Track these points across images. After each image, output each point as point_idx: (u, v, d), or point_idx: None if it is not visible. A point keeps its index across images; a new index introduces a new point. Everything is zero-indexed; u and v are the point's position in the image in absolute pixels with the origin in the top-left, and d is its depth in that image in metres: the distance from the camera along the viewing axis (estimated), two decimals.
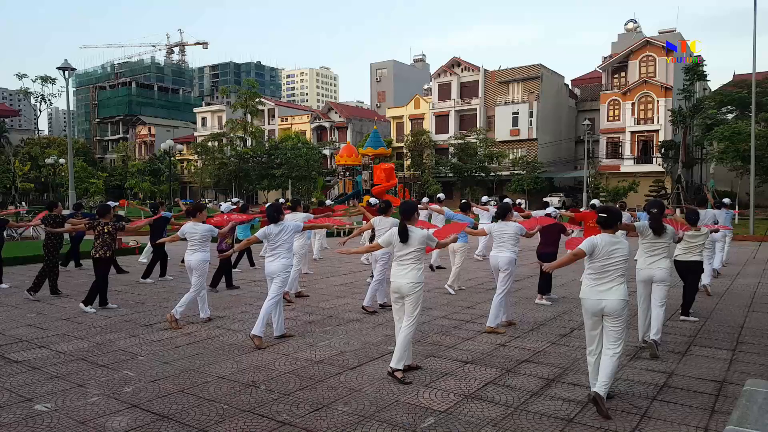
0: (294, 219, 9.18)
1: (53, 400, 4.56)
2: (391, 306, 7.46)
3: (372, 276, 9.97)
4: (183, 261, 8.43)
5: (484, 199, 15.39)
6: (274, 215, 6.49)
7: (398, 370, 5.02)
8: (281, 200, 15.83)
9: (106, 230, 8.31)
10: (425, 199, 16.45)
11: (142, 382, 5.02)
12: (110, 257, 8.41)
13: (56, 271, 9.46)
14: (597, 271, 4.47)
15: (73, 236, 12.79)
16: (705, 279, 8.86)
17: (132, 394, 4.70)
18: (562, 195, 42.52)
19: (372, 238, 9.52)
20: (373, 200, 12.96)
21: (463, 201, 10.65)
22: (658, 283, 6.09)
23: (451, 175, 48.84)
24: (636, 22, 52.50)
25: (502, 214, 7.40)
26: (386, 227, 8.08)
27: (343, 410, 4.35)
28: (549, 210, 9.59)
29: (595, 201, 11.74)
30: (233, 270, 11.79)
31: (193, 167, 63.01)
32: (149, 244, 12.75)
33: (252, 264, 12.95)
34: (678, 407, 4.39)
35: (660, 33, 46.36)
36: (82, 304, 8.11)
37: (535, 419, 4.17)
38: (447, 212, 13.00)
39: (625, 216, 13.54)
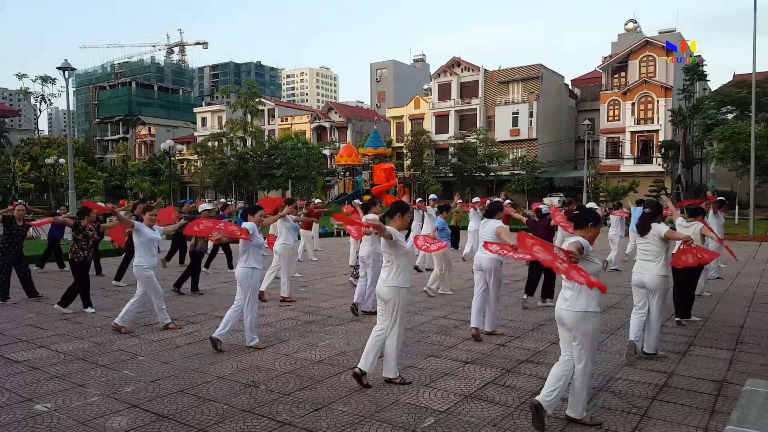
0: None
1: (53, 400, 4.56)
2: (373, 312, 6.97)
3: (354, 276, 9.97)
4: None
5: (476, 199, 15.39)
6: (246, 215, 6.41)
7: (393, 378, 4.95)
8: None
9: (82, 232, 8.06)
10: (419, 199, 16.45)
11: (142, 382, 5.02)
12: (84, 260, 8.08)
13: (2, 276, 9.05)
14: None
15: (51, 237, 12.65)
16: (698, 288, 8.22)
17: (132, 394, 4.70)
18: (562, 195, 42.51)
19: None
20: (356, 201, 12.78)
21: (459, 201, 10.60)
22: (651, 291, 5.70)
23: (451, 175, 48.84)
24: (636, 22, 52.57)
25: (490, 213, 7.04)
26: None
27: (343, 410, 4.34)
28: (542, 207, 9.33)
29: (591, 204, 11.72)
30: (203, 271, 11.22)
31: (193, 167, 62.99)
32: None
33: (230, 267, 12.29)
34: (678, 407, 4.39)
35: (660, 33, 46.37)
36: (58, 305, 8.09)
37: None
38: (430, 211, 13.00)
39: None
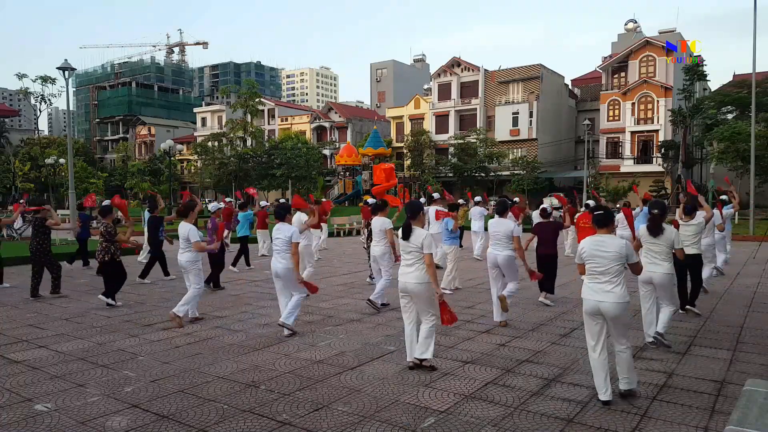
0: (298, 220, 9.25)
1: (53, 400, 4.56)
2: (386, 304, 7.60)
3: (371, 276, 10.05)
4: None
5: (477, 199, 15.41)
6: (280, 214, 6.75)
7: (424, 360, 5.26)
8: (281, 200, 15.89)
9: (101, 231, 8.37)
10: (422, 199, 16.45)
11: (142, 382, 5.02)
12: (109, 260, 8.37)
13: (59, 271, 9.48)
14: (590, 273, 4.56)
15: (79, 237, 13.17)
16: (704, 277, 8.62)
17: (132, 394, 4.70)
18: (562, 195, 42.48)
19: (368, 237, 9.64)
20: (370, 200, 12.90)
21: (460, 200, 10.62)
22: (659, 287, 6.04)
23: (451, 175, 48.83)
24: (636, 22, 52.57)
25: (500, 211, 7.42)
26: (378, 226, 8.23)
27: (343, 410, 4.34)
28: (545, 205, 9.51)
29: (589, 201, 11.75)
30: (231, 268, 11.99)
31: (193, 167, 62.99)
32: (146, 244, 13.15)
33: (248, 264, 12.99)
34: (678, 407, 4.39)
35: (660, 33, 46.37)
36: (102, 297, 8.44)
37: (535, 419, 4.17)
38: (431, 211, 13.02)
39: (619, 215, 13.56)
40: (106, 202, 10.73)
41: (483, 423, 4.10)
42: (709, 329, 6.92)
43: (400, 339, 6.42)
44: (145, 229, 14.24)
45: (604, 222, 4.64)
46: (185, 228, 7.37)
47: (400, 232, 5.45)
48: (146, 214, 13.40)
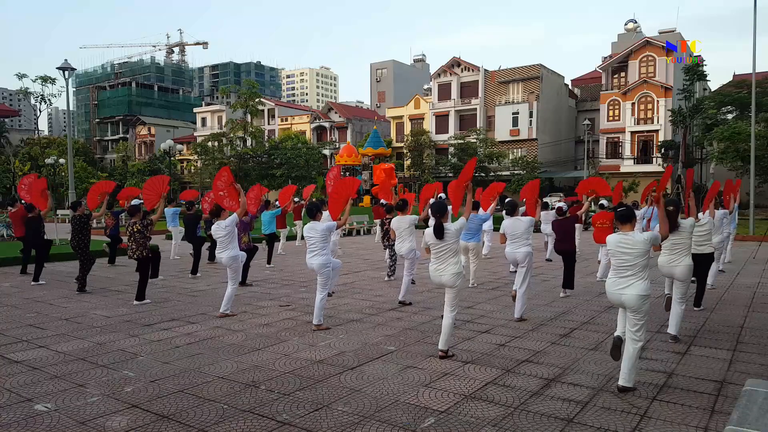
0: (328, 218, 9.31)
1: (53, 400, 4.56)
2: (409, 304, 8.12)
3: (391, 274, 10.20)
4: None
5: None
6: (312, 212, 7.04)
7: (443, 351, 5.64)
8: (296, 199, 16.07)
9: (135, 229, 8.50)
10: (432, 201, 16.51)
11: (142, 382, 5.01)
12: (147, 256, 8.59)
13: (88, 269, 9.91)
14: (614, 267, 4.80)
15: (110, 235, 13.48)
16: (709, 280, 8.87)
17: (132, 394, 4.69)
18: (562, 195, 42.53)
19: (384, 236, 9.74)
20: (383, 200, 13.15)
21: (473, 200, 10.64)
22: (679, 280, 6.30)
23: (451, 175, 48.75)
24: (636, 22, 52.56)
25: (510, 211, 7.59)
26: (406, 225, 8.35)
27: (343, 410, 4.34)
28: (561, 204, 9.94)
29: (603, 201, 11.89)
30: (267, 266, 12.67)
31: (193, 167, 63.00)
32: (175, 241, 14.39)
33: (269, 262, 13.06)
34: (678, 407, 4.39)
35: (660, 33, 46.39)
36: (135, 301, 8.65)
37: (535, 419, 4.17)
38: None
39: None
40: (135, 202, 10.87)
41: (483, 423, 4.10)
42: (709, 329, 6.92)
43: (400, 339, 6.45)
44: (170, 226, 14.56)
45: (627, 218, 4.84)
46: (226, 223, 7.62)
47: (431, 232, 5.59)
48: (167, 210, 13.80)
